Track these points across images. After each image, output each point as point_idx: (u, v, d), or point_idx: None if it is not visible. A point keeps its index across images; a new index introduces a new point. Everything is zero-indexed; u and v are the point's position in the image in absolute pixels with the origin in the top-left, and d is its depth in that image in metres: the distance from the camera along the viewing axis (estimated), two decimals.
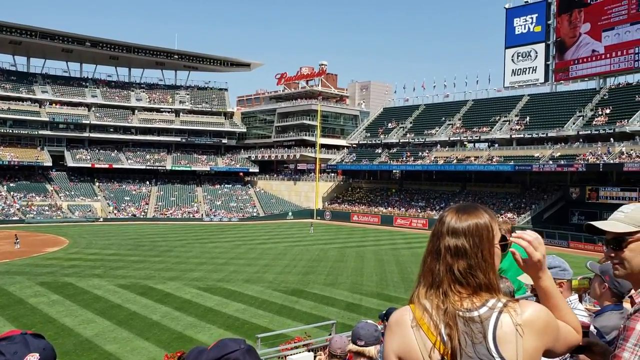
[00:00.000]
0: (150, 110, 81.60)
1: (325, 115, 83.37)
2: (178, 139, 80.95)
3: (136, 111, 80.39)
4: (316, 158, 75.11)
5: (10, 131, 70.46)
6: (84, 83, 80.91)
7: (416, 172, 70.26)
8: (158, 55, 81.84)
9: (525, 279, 2.30)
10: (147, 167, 76.59)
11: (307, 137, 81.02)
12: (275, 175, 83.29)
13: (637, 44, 53.84)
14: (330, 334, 11.68)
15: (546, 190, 57.16)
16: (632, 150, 47.68)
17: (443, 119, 69.99)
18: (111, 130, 77.59)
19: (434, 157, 64.72)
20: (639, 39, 53.59)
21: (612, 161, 47.86)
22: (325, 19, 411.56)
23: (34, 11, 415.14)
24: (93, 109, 77.67)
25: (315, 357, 8.77)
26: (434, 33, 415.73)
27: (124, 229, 55.18)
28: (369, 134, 76.75)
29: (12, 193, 64.30)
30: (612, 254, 1.88)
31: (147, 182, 76.07)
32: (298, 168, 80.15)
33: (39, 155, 70.80)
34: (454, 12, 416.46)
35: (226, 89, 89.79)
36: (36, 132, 71.99)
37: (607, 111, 54.12)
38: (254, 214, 71.51)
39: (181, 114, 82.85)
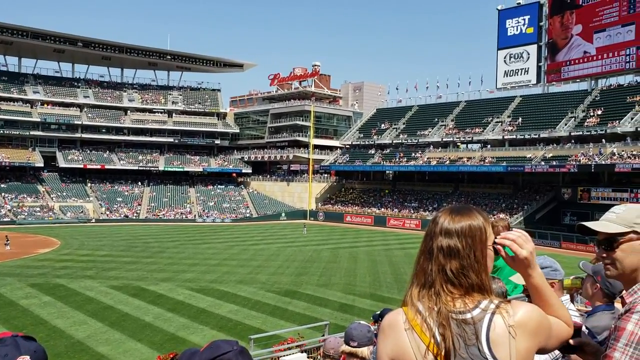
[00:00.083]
0: (143, 110, 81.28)
1: (319, 116, 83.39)
2: (171, 139, 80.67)
3: (128, 112, 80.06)
4: (309, 159, 75.08)
5: (1, 132, 69.99)
6: (76, 83, 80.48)
7: (409, 173, 70.45)
8: (151, 56, 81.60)
9: (518, 279, 2.30)
10: (140, 168, 76.33)
11: (300, 138, 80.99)
12: (268, 176, 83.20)
13: (628, 46, 54.26)
14: (323, 335, 11.69)
15: (538, 191, 57.46)
16: (623, 151, 48.00)
17: (436, 119, 70.20)
18: (103, 130, 77.25)
19: (427, 158, 64.88)
20: (630, 40, 54.01)
21: (603, 162, 48.16)
22: (318, 20, 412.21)
23: (25, 11, 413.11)
24: (85, 109, 77.30)
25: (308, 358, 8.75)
26: (427, 34, 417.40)
27: (116, 230, 54.94)
28: (362, 135, 76.84)
29: (3, 194, 63.84)
30: (604, 255, 1.89)
31: (140, 183, 75.79)
32: (291, 169, 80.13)
33: (31, 156, 70.36)
34: (447, 14, 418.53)
35: (219, 90, 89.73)
36: (27, 133, 71.55)
37: (599, 112, 54.46)
38: (247, 215, 71.39)
39: (174, 114, 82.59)
